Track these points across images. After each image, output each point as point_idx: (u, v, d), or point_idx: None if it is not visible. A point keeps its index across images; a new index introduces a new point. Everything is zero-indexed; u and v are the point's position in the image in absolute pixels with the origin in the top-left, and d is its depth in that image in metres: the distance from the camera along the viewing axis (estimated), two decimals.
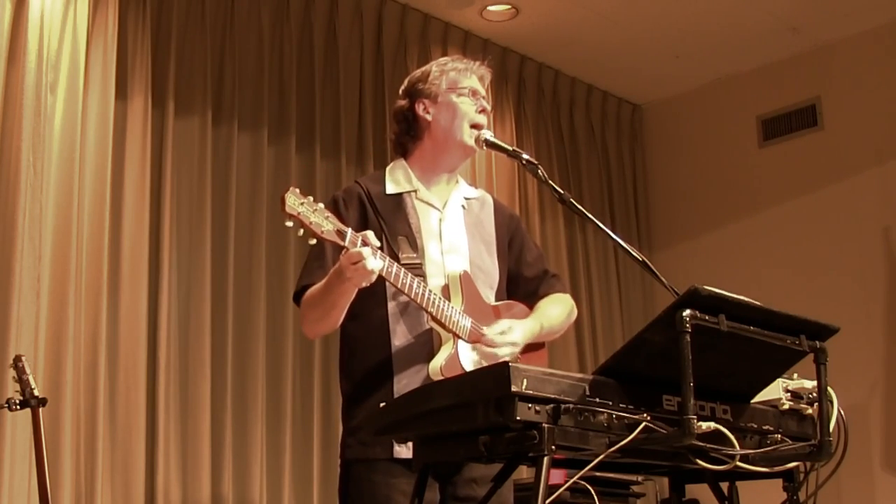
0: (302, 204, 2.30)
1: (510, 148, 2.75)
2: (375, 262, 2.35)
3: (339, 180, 4.94)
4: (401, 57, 5.38)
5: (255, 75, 4.80)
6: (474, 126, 2.72)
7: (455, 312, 2.53)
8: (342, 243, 2.34)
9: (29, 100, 3.97)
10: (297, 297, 2.64)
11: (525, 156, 2.70)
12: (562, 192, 2.66)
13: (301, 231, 2.32)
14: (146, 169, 4.32)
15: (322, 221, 2.32)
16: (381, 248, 2.43)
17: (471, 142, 2.72)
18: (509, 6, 5.52)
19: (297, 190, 2.31)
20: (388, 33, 5.37)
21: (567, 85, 6.27)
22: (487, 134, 2.75)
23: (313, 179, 4.87)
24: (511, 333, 2.58)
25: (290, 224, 2.30)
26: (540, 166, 2.68)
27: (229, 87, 4.69)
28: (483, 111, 2.75)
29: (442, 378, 2.43)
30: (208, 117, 4.56)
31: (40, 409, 3.21)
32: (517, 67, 6.00)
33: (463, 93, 2.74)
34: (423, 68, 2.84)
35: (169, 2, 4.58)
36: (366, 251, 2.33)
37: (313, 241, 2.35)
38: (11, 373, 3.31)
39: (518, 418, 1.77)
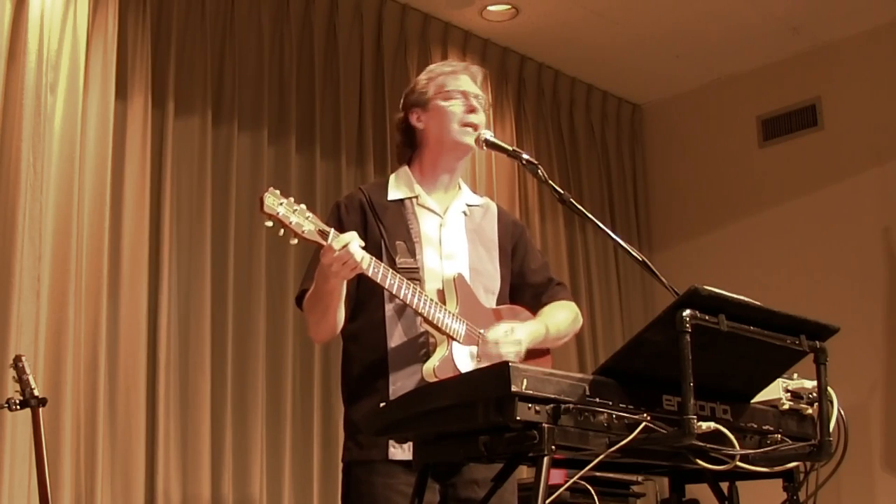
0: (281, 204, 2.27)
1: (510, 148, 2.74)
2: (360, 251, 2.34)
3: (339, 180, 4.94)
4: (401, 57, 5.38)
5: (255, 75, 4.80)
6: (466, 125, 2.71)
7: (447, 315, 2.52)
8: (324, 242, 2.32)
9: (29, 100, 3.97)
10: (299, 300, 2.64)
11: (525, 156, 2.69)
12: (562, 192, 2.65)
13: (281, 231, 2.29)
14: (146, 169, 4.32)
15: (303, 221, 2.30)
16: (378, 255, 2.44)
17: (463, 139, 2.71)
18: (509, 6, 5.52)
19: (277, 191, 2.29)
20: (388, 33, 5.36)
21: (567, 85, 6.27)
22: (487, 134, 2.74)
23: (313, 179, 4.87)
24: (514, 334, 2.55)
25: (269, 224, 2.28)
26: (540, 166, 2.67)
27: (229, 87, 4.69)
28: (472, 110, 2.72)
29: (435, 379, 2.42)
30: (208, 117, 4.56)
31: (40, 409, 3.21)
32: (517, 67, 6.00)
33: (451, 95, 2.73)
34: (416, 78, 2.84)
35: (169, 2, 4.58)
36: (347, 237, 2.33)
37: (294, 242, 2.33)
38: (11, 373, 3.31)
39: (518, 418, 1.77)
